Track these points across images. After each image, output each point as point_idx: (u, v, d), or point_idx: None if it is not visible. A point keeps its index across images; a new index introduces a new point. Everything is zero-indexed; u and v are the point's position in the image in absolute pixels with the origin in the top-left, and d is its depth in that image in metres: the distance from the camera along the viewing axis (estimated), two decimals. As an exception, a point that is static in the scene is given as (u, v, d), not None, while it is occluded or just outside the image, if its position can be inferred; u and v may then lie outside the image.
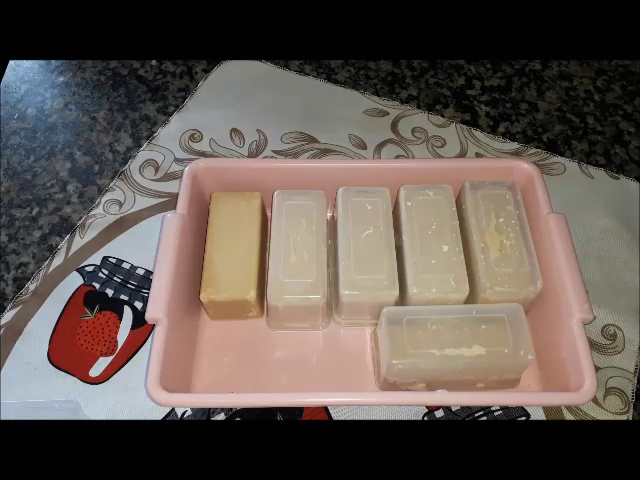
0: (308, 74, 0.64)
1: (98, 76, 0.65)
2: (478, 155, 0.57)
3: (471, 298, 0.42)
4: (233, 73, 0.64)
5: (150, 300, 0.40)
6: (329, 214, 0.50)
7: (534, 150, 0.58)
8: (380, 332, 0.41)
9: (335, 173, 0.48)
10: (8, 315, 0.47)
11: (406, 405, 0.43)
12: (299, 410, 0.43)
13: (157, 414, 0.43)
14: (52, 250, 0.51)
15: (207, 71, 0.64)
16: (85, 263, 0.50)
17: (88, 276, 0.49)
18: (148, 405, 0.43)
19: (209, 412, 0.43)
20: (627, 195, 0.55)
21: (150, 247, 0.50)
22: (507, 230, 0.44)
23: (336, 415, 0.43)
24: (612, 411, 0.43)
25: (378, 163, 0.53)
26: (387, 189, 0.46)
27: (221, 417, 0.43)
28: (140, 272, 0.49)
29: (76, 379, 0.44)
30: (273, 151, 0.57)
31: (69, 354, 0.45)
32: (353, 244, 0.43)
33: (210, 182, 0.48)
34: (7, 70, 0.65)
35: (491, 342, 0.39)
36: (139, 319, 0.47)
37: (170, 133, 0.59)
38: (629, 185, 0.55)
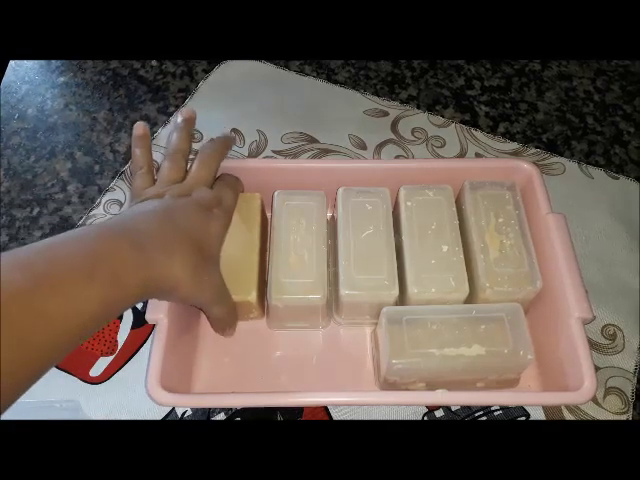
0: (308, 74, 0.64)
1: (98, 76, 0.65)
2: (478, 155, 0.57)
3: (471, 298, 0.42)
4: (233, 73, 0.64)
5: (150, 300, 0.40)
6: (329, 214, 0.50)
7: (534, 150, 0.58)
8: (380, 332, 0.41)
9: (335, 173, 0.48)
10: (8, 315, 0.47)
11: (406, 405, 0.43)
12: (299, 410, 0.43)
13: (157, 414, 0.43)
14: (52, 250, 0.51)
15: (207, 71, 0.64)
16: (85, 263, 0.50)
17: (88, 276, 0.49)
18: (148, 405, 0.43)
19: (209, 412, 0.43)
20: (627, 195, 0.55)
21: (150, 247, 0.50)
22: (507, 230, 0.44)
23: (336, 415, 0.43)
24: (612, 411, 0.43)
25: (378, 163, 0.53)
26: (387, 189, 0.46)
27: (221, 417, 0.43)
28: (140, 272, 0.49)
29: (76, 379, 0.44)
30: (273, 151, 0.57)
31: (69, 354, 0.45)
32: (353, 244, 0.43)
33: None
34: (7, 70, 0.65)
35: (491, 342, 0.39)
36: (139, 319, 0.47)
37: (170, 133, 0.59)
38: (629, 185, 0.55)
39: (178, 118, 0.44)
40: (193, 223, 0.37)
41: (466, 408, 0.43)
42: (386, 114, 0.60)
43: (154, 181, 0.42)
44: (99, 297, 0.30)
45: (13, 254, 0.29)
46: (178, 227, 0.36)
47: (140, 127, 0.43)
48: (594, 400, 0.43)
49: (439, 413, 0.43)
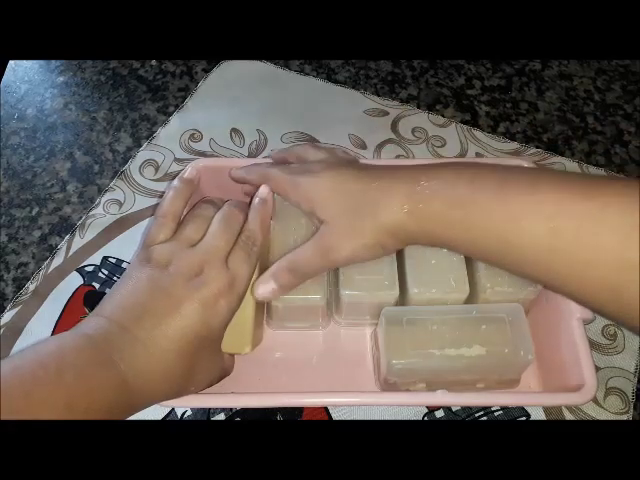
0: (308, 74, 0.64)
1: (98, 76, 0.65)
2: (478, 155, 0.57)
3: (471, 298, 0.42)
4: (233, 73, 0.64)
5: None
6: (329, 214, 0.50)
7: (534, 150, 0.58)
8: (380, 332, 0.41)
9: (335, 173, 0.48)
10: (8, 315, 0.47)
11: (406, 405, 0.43)
12: (299, 410, 0.43)
13: (157, 414, 0.43)
14: (52, 250, 0.51)
15: (207, 71, 0.64)
16: (85, 263, 0.50)
17: (88, 276, 0.49)
18: (148, 405, 0.43)
19: (209, 412, 0.43)
20: (627, 195, 0.55)
21: (150, 247, 0.49)
22: (507, 230, 0.44)
23: (336, 415, 0.43)
24: (612, 411, 0.43)
25: (378, 163, 0.53)
26: (387, 189, 0.46)
27: (221, 417, 0.43)
28: (140, 272, 0.49)
29: (76, 379, 0.44)
30: (273, 151, 0.57)
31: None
32: (353, 244, 0.43)
33: (210, 182, 0.48)
34: (7, 70, 0.65)
35: (491, 342, 0.39)
36: (139, 319, 0.47)
37: (170, 133, 0.59)
38: (629, 185, 0.55)
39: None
40: (193, 321, 0.34)
41: (466, 408, 0.43)
42: (386, 114, 0.60)
43: (173, 233, 0.38)
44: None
45: None
46: (172, 333, 0.34)
47: (193, 172, 0.42)
48: (594, 400, 0.43)
49: (439, 413, 0.43)
